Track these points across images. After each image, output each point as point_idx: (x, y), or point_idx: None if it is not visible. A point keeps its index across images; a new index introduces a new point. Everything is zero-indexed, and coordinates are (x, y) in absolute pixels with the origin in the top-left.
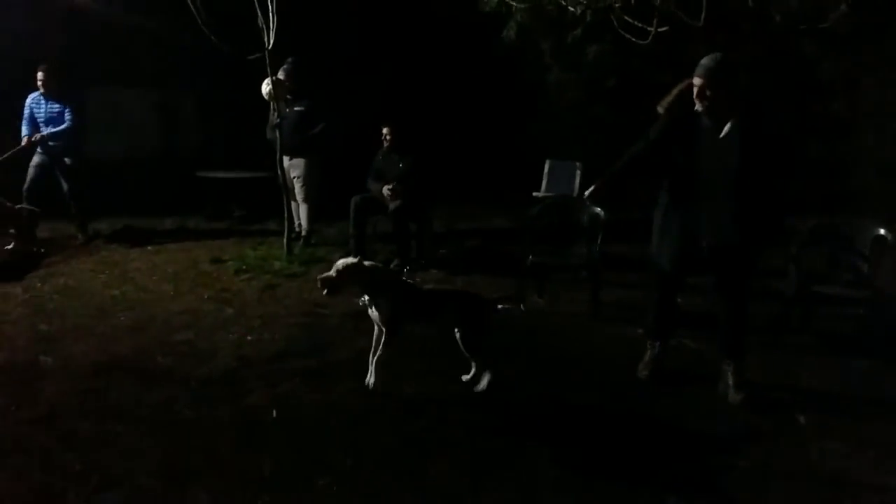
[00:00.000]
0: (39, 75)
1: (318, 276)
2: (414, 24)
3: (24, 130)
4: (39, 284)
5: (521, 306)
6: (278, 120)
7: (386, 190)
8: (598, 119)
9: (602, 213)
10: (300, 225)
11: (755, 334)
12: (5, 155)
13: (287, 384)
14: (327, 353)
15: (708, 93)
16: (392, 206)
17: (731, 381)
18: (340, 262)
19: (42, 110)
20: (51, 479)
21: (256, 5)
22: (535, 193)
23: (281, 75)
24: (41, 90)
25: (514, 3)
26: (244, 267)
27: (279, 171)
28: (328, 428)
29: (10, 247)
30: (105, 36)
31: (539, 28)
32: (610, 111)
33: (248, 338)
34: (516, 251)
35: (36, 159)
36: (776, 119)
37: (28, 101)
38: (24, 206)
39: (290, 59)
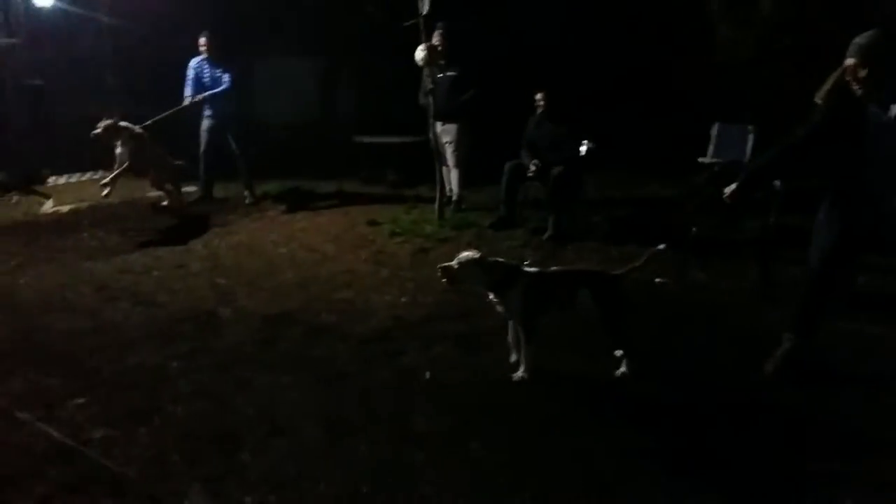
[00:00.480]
0: (202, 41)
1: (439, 265)
2: None
3: (187, 91)
4: (217, 241)
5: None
6: (431, 86)
7: (532, 166)
8: (772, 79)
9: (778, 182)
10: (451, 190)
11: None
12: (167, 112)
13: (439, 347)
14: (477, 318)
15: (862, 73)
16: (553, 171)
17: None
18: (463, 255)
19: (206, 74)
20: (228, 423)
21: None
22: (700, 159)
23: (435, 40)
24: (204, 55)
25: None
26: (398, 230)
27: (431, 137)
28: (479, 393)
29: (165, 203)
30: (270, 7)
31: None
32: (786, 70)
33: (403, 299)
34: (678, 221)
35: (205, 124)
36: None
37: (191, 64)
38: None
39: (441, 24)
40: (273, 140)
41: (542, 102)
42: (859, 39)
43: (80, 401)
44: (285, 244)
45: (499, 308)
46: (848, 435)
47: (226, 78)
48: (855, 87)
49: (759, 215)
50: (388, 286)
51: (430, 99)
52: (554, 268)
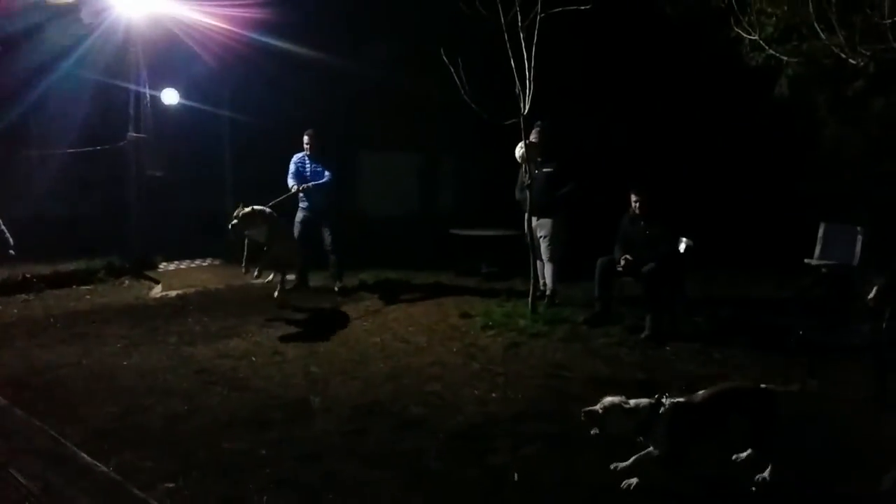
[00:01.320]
0: (305, 139)
1: (584, 410)
2: (673, 82)
3: (291, 182)
4: (313, 329)
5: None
6: (528, 181)
7: (623, 260)
8: (883, 178)
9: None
10: (545, 284)
11: None
12: (277, 199)
13: (530, 447)
14: (570, 418)
15: None
16: (645, 268)
17: None
18: (607, 401)
19: (307, 169)
20: None
21: (514, 73)
22: (807, 260)
23: (533, 137)
24: (307, 151)
25: (785, 58)
26: (490, 323)
27: (527, 231)
28: (568, 498)
29: (275, 293)
30: (376, 103)
31: (814, 81)
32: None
33: (493, 395)
34: (783, 324)
35: (300, 215)
36: None
37: (294, 159)
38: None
39: (539, 122)
40: (373, 231)
41: (636, 202)
42: None
43: (171, 485)
44: (378, 334)
45: (650, 448)
46: None
47: (326, 174)
48: None
49: (872, 318)
50: (479, 380)
51: (528, 193)
52: (701, 392)
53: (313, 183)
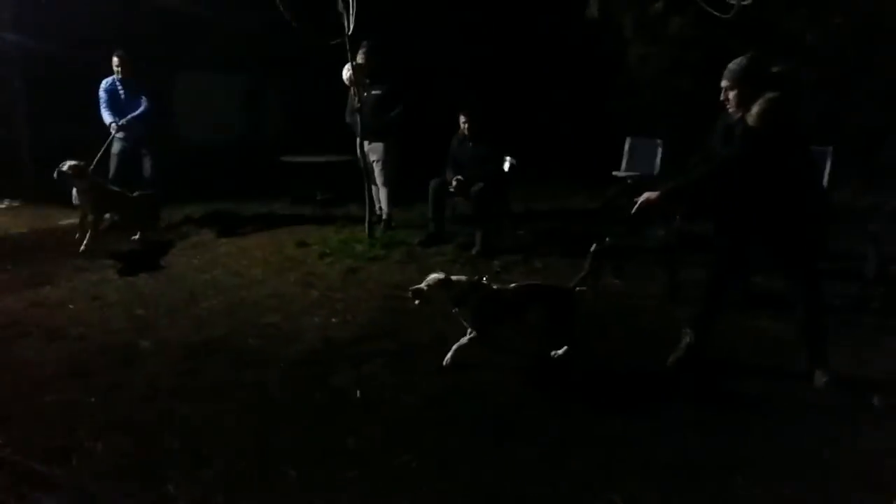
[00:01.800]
0: (115, 61)
1: (410, 288)
2: (492, 4)
3: (107, 118)
4: (135, 269)
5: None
6: (358, 104)
7: (454, 181)
8: (681, 94)
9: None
10: (381, 209)
11: (835, 315)
12: (102, 150)
13: (369, 365)
14: (408, 335)
15: (731, 95)
16: (474, 188)
17: (817, 366)
18: (431, 278)
19: (121, 96)
20: (151, 456)
21: None
22: (615, 172)
23: (359, 58)
24: (117, 75)
25: None
26: (327, 251)
27: (359, 155)
28: (408, 407)
29: (136, 237)
30: (194, 23)
31: (620, 2)
32: (694, 85)
33: (333, 320)
34: (594, 232)
35: (117, 146)
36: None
37: (103, 86)
38: (141, 192)
39: (366, 42)
40: (196, 160)
41: (464, 123)
42: (731, 65)
43: None
44: (208, 270)
45: (462, 320)
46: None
47: (143, 101)
48: (727, 105)
49: (665, 224)
50: (318, 308)
51: (357, 117)
52: (512, 284)
53: (130, 116)
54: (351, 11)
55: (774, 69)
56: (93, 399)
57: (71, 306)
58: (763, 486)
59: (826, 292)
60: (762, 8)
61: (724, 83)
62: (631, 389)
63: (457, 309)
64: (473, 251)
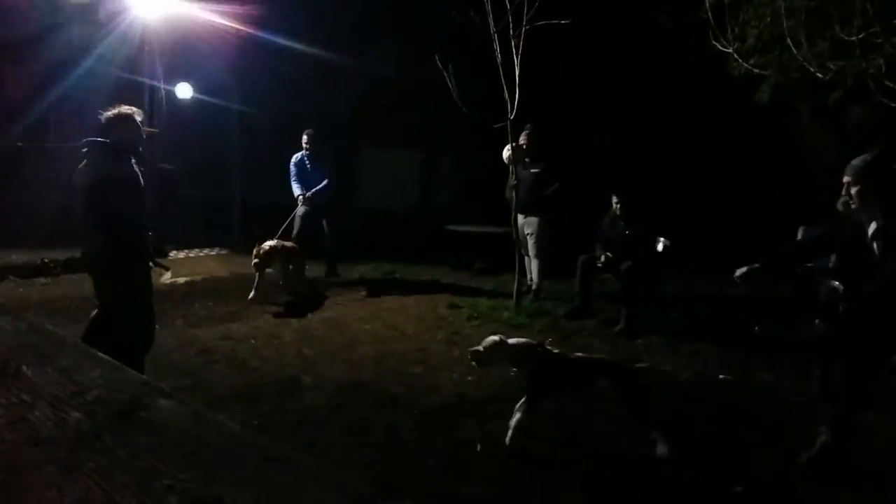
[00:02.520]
0: (304, 139)
1: (469, 349)
2: (660, 89)
3: (296, 190)
4: (310, 316)
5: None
6: (515, 181)
7: (603, 257)
8: None
9: (840, 285)
10: (532, 279)
11: None
12: (289, 220)
13: (494, 423)
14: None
15: (855, 190)
16: (623, 266)
17: None
18: (488, 340)
19: (307, 169)
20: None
21: (502, 79)
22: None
23: (522, 139)
24: (306, 151)
25: (758, 70)
26: (475, 314)
27: (513, 228)
28: (526, 467)
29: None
30: (380, 100)
31: (795, 90)
32: None
33: (469, 378)
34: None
35: (300, 210)
36: None
37: (293, 160)
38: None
39: (529, 126)
40: (373, 225)
41: (617, 204)
42: (855, 161)
43: None
44: (369, 321)
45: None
46: None
47: (325, 178)
48: (850, 202)
49: (826, 317)
50: (458, 365)
51: (514, 193)
52: (577, 354)
53: (314, 191)
54: (515, 98)
55: None
56: (255, 421)
57: (253, 341)
58: None
59: None
60: None
61: (846, 179)
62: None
63: (514, 371)
64: (617, 328)
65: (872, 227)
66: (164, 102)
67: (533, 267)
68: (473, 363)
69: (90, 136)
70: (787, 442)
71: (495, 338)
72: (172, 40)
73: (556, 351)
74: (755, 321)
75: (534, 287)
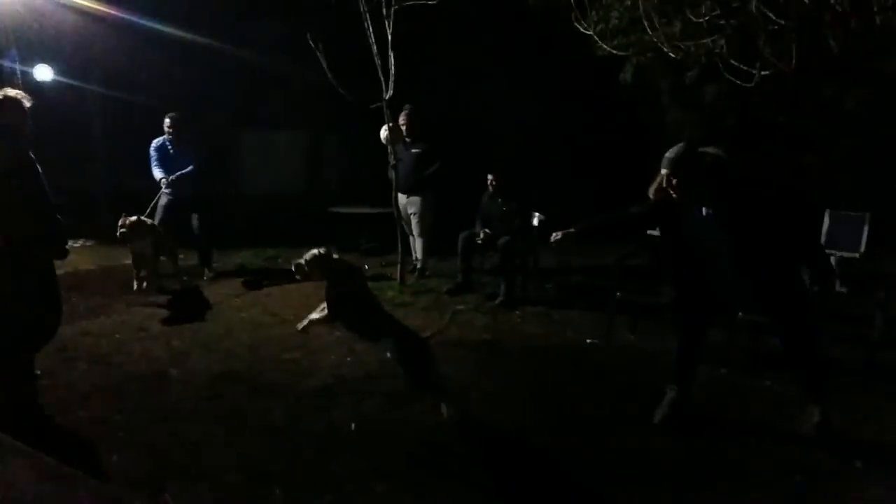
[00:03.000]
0: (167, 122)
1: (293, 262)
2: (532, 70)
3: (157, 172)
4: (181, 306)
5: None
6: (394, 161)
7: (482, 233)
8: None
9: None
10: (417, 258)
11: (843, 377)
12: (152, 204)
13: (371, 402)
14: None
15: (674, 182)
16: (500, 241)
17: (815, 419)
18: (311, 253)
19: (170, 155)
20: (158, 468)
21: (375, 58)
22: (650, 232)
23: (402, 120)
24: (167, 136)
25: (621, 52)
26: None
27: (395, 208)
28: (395, 442)
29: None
30: (258, 83)
31: (656, 69)
32: (730, 151)
33: (348, 359)
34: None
35: (164, 200)
36: (762, 189)
37: (154, 145)
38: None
39: (408, 106)
40: (255, 210)
41: (492, 182)
42: (669, 154)
43: None
44: (247, 309)
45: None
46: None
47: (190, 160)
48: (671, 192)
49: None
50: (337, 347)
51: (394, 173)
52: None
53: (178, 174)
54: (390, 79)
55: (712, 151)
56: (118, 417)
57: (117, 336)
58: None
59: (827, 352)
60: (800, 76)
61: (664, 171)
62: (615, 440)
63: (327, 286)
64: (497, 301)
65: (704, 211)
66: (20, 85)
67: (417, 246)
68: (297, 277)
69: None
70: (645, 399)
71: (318, 250)
72: (29, 19)
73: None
74: (617, 288)
75: (419, 266)
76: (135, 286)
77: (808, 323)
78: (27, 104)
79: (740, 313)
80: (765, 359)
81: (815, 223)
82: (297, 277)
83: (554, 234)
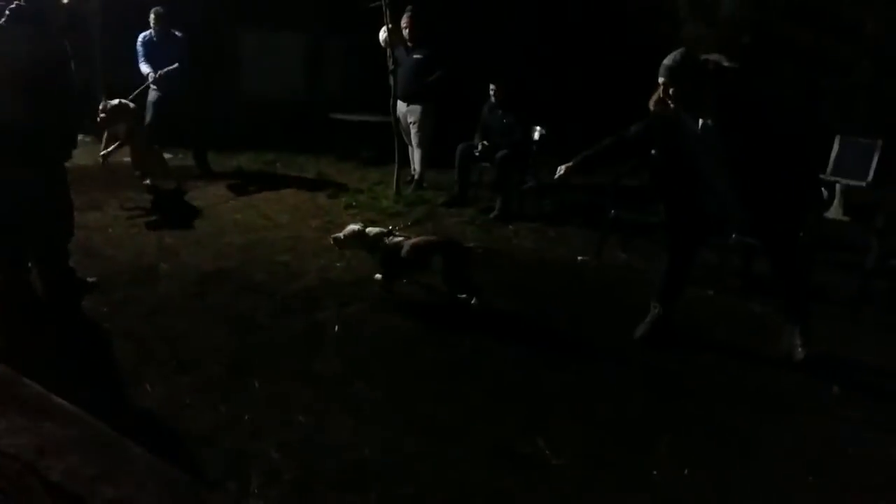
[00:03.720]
0: (152, 17)
1: (331, 236)
2: None
3: (145, 67)
4: (177, 205)
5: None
6: (393, 66)
7: (480, 145)
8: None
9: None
10: (415, 169)
11: (834, 306)
12: (135, 93)
13: (356, 305)
14: (399, 283)
15: (671, 91)
16: (498, 154)
17: (796, 341)
18: (348, 228)
19: (158, 49)
20: (140, 360)
21: None
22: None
23: (403, 22)
24: (153, 30)
25: None
26: (354, 203)
27: (393, 116)
28: (376, 344)
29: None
30: None
31: None
32: (745, 68)
33: (337, 264)
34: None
35: (152, 96)
36: (768, 105)
37: (141, 39)
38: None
39: (410, 7)
40: (255, 113)
41: (494, 91)
42: (666, 61)
43: None
44: (241, 211)
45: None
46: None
47: (177, 56)
48: (668, 101)
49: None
50: (327, 252)
51: (392, 79)
52: (416, 238)
53: (164, 70)
54: None
55: (713, 58)
56: (105, 309)
57: (110, 230)
58: (686, 449)
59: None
60: None
61: (661, 80)
62: (593, 353)
63: (372, 255)
64: (491, 215)
65: (702, 122)
66: None
67: (416, 156)
68: (336, 247)
69: None
70: (631, 316)
71: (355, 226)
72: None
73: (399, 238)
74: (612, 206)
75: (416, 176)
76: (102, 151)
77: (798, 246)
78: None
79: (733, 235)
80: (755, 282)
81: (822, 148)
82: (337, 248)
83: (558, 169)
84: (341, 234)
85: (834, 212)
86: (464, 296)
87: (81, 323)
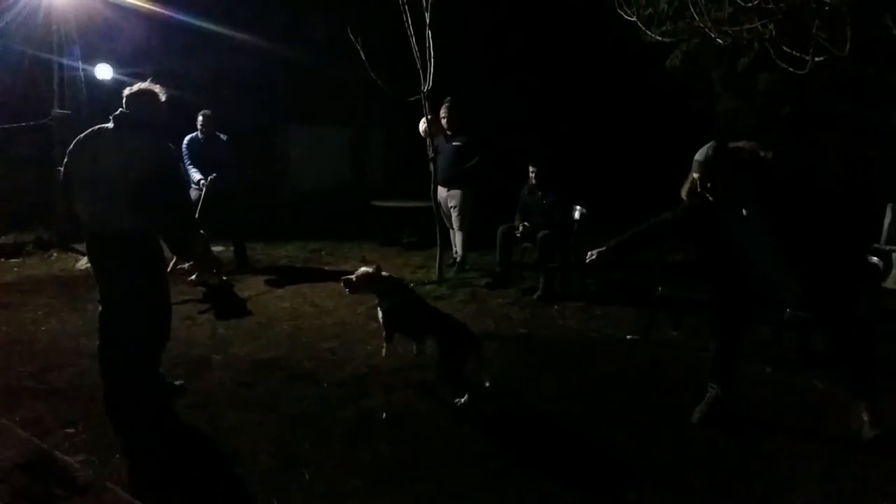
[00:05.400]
0: (200, 119)
1: (343, 278)
2: (574, 58)
3: (195, 174)
4: (228, 296)
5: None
6: (433, 154)
7: (521, 227)
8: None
9: None
10: (457, 252)
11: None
12: (199, 205)
13: (402, 392)
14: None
15: (708, 185)
16: (540, 234)
17: (865, 418)
18: (361, 270)
19: (203, 152)
20: (190, 452)
21: (414, 52)
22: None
23: (442, 112)
24: (199, 132)
25: (666, 39)
26: None
27: (434, 202)
28: (425, 432)
29: (193, 277)
30: (305, 78)
31: (706, 56)
32: (785, 140)
33: (382, 350)
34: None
35: (195, 194)
36: (812, 189)
37: (186, 142)
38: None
39: (448, 98)
40: (301, 204)
41: (533, 173)
42: (698, 156)
43: (70, 430)
44: (290, 299)
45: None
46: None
47: (225, 154)
48: (707, 195)
49: None
50: (374, 338)
51: (432, 166)
52: (423, 305)
53: (211, 177)
54: (428, 71)
55: (745, 146)
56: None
57: None
58: None
59: (878, 351)
60: (858, 60)
61: (694, 175)
62: (655, 439)
63: (378, 301)
64: (535, 296)
65: (745, 210)
66: (83, 84)
67: (457, 239)
68: (346, 290)
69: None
70: (687, 397)
71: (368, 269)
72: (90, 19)
73: (415, 294)
74: (659, 283)
75: (458, 259)
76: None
77: (857, 319)
78: (163, 97)
79: (788, 310)
80: (815, 358)
81: (874, 218)
82: (347, 291)
83: (589, 254)
84: (353, 277)
85: (892, 281)
86: (449, 390)
87: (134, 416)
